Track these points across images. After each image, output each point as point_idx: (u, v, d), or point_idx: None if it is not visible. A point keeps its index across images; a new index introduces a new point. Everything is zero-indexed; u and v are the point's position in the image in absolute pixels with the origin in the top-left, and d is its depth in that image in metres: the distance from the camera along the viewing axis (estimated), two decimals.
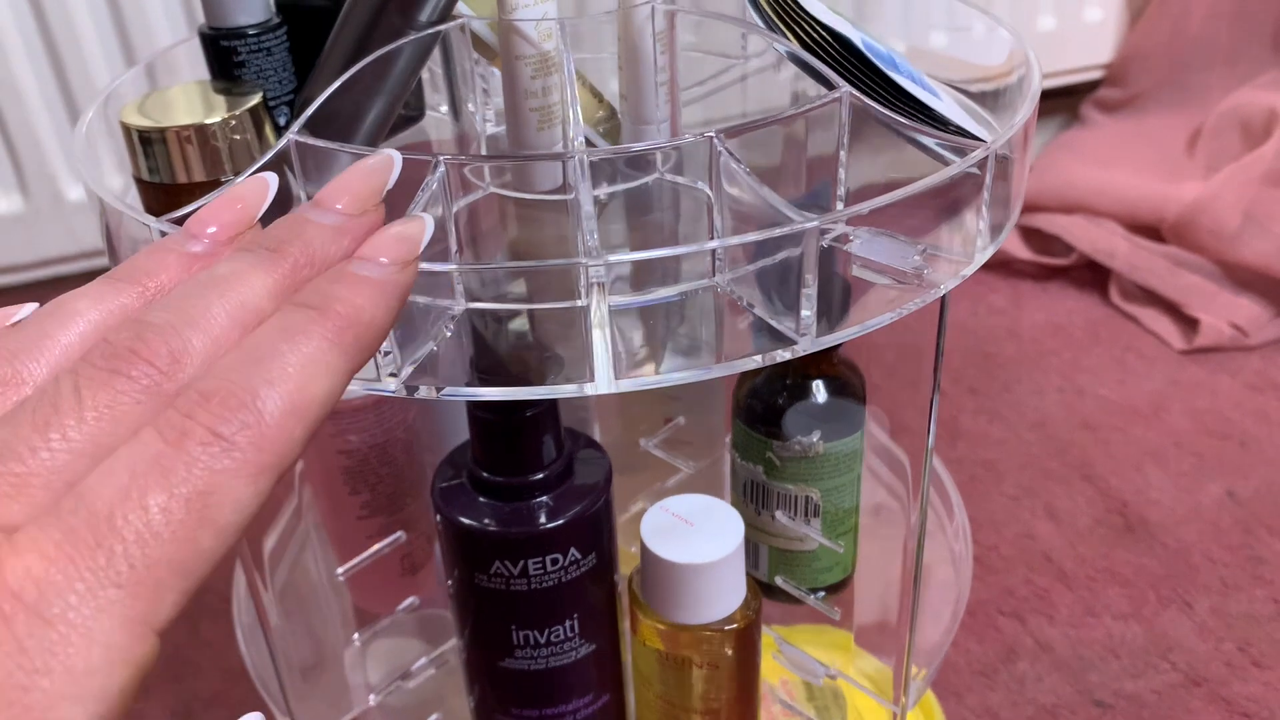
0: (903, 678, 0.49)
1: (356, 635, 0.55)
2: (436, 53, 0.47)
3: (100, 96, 0.45)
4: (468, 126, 0.48)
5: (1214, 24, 1.13)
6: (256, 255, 0.24)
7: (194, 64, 0.49)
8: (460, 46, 0.46)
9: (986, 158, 0.35)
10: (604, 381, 0.33)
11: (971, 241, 0.37)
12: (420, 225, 0.26)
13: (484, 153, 0.48)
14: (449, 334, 0.34)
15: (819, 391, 0.49)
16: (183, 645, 0.69)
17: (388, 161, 0.28)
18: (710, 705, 0.47)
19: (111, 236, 0.38)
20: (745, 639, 0.45)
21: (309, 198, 0.32)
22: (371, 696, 0.54)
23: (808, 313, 0.33)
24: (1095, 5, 1.14)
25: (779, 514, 0.51)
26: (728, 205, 0.36)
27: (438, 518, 0.44)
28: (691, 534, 0.44)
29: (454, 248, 0.37)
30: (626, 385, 0.33)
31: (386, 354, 0.33)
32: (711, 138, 0.35)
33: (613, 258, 0.32)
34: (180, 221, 0.28)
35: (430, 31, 0.42)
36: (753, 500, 0.51)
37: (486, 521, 0.43)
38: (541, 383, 0.34)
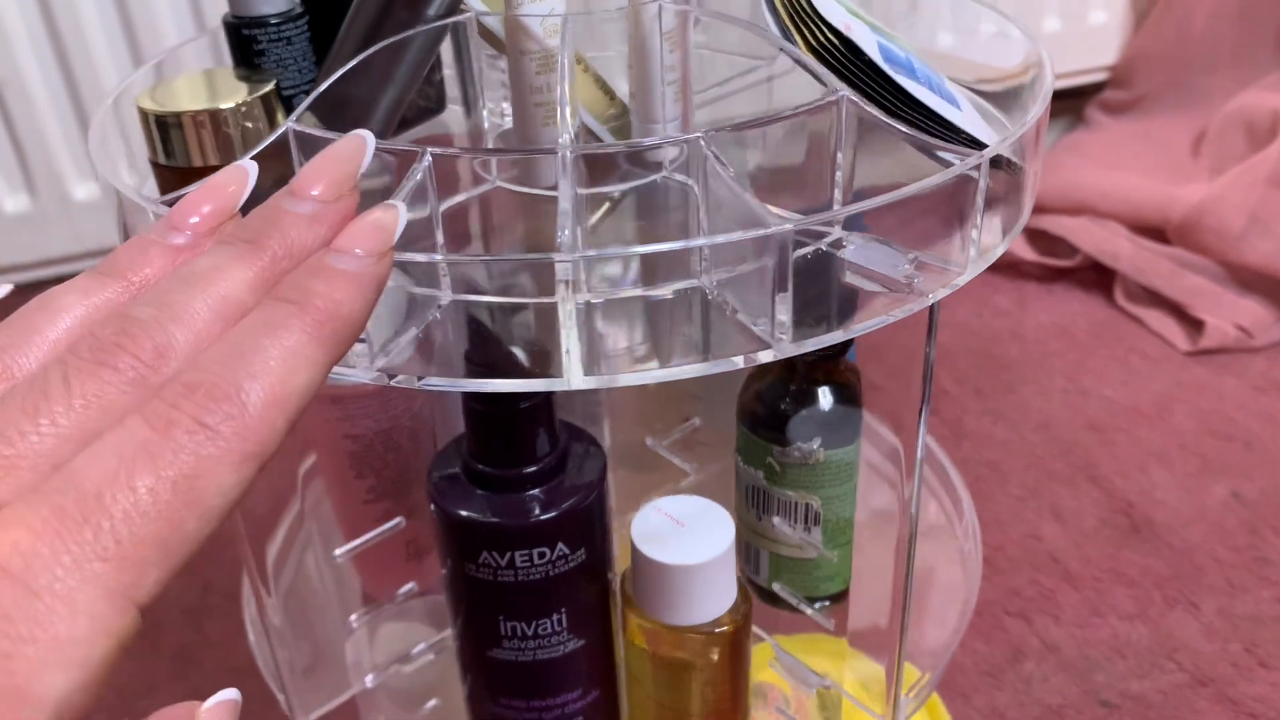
0: (894, 690, 0.49)
1: (354, 617, 0.55)
2: (454, 47, 0.48)
3: (111, 95, 0.45)
4: (479, 120, 0.48)
5: (1218, 26, 1.13)
6: (236, 249, 0.25)
7: (201, 63, 0.50)
8: (471, 40, 0.46)
9: (979, 165, 0.35)
10: (575, 378, 0.33)
11: (970, 248, 0.37)
12: (394, 214, 0.27)
13: (490, 146, 0.48)
14: (435, 319, 0.35)
15: (823, 399, 0.48)
16: (188, 644, 0.69)
17: (360, 145, 0.28)
18: (698, 708, 0.47)
19: (127, 230, 0.38)
20: (733, 642, 0.45)
21: None
22: (369, 678, 0.54)
23: (783, 318, 0.33)
24: (1100, 7, 1.14)
25: (777, 520, 0.50)
26: (715, 206, 0.36)
27: (432, 505, 0.44)
28: (681, 535, 0.44)
29: (440, 239, 0.37)
30: (596, 382, 0.33)
31: (361, 340, 0.34)
32: (698, 137, 0.35)
33: (582, 254, 0.32)
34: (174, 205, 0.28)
35: (437, 25, 0.42)
36: (754, 505, 0.51)
37: (475, 511, 0.43)
38: (526, 376, 0.34)
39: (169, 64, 0.50)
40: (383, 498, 0.54)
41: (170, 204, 0.35)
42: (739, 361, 0.34)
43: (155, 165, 0.43)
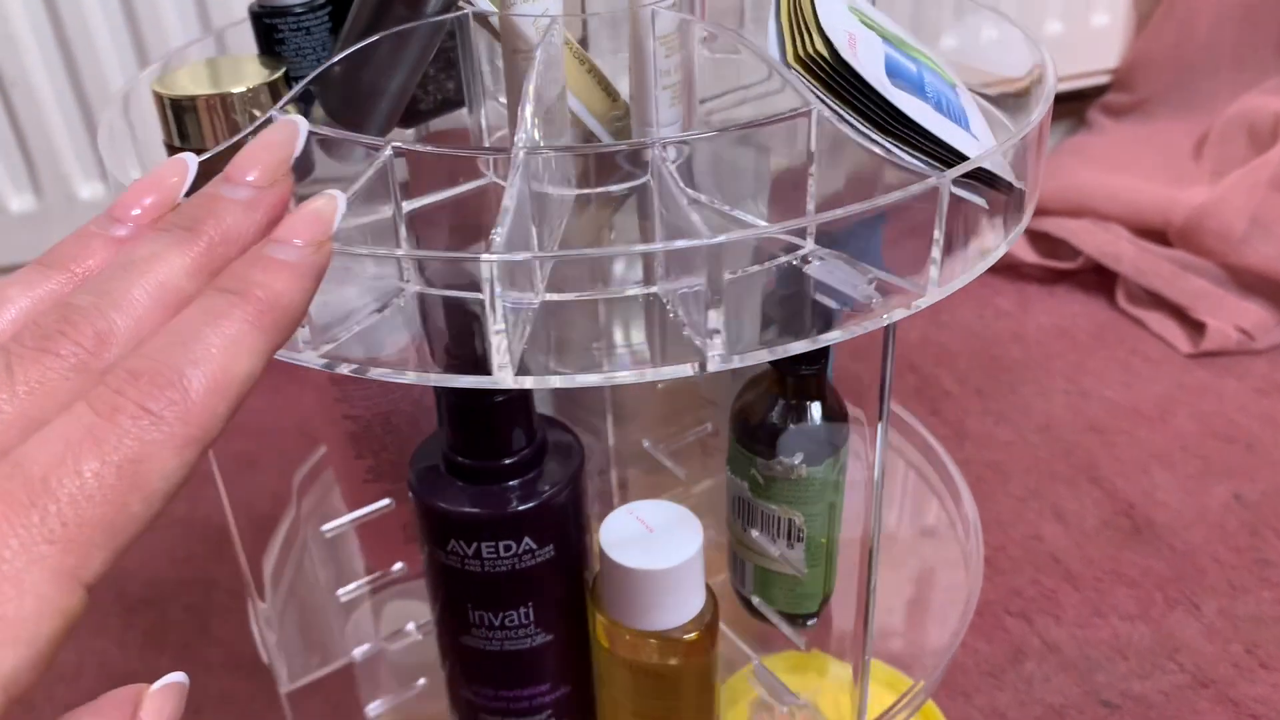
0: (861, 699, 0.49)
1: (341, 591, 0.56)
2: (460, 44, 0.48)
3: (118, 96, 0.46)
4: (479, 118, 0.48)
5: (1221, 29, 1.13)
6: (173, 235, 0.26)
7: None
8: (472, 37, 0.46)
9: (937, 188, 0.34)
10: (506, 377, 0.33)
11: (932, 269, 0.36)
12: (332, 203, 0.27)
13: (487, 143, 0.49)
14: (389, 310, 0.35)
15: (807, 414, 0.48)
16: (193, 643, 0.70)
17: (293, 131, 0.29)
18: (660, 713, 0.47)
19: None
20: (695, 650, 0.45)
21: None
22: (356, 652, 0.56)
23: (717, 329, 0.33)
24: (1102, 10, 1.14)
25: (754, 532, 0.50)
26: (665, 214, 0.36)
27: (410, 490, 0.45)
28: (649, 540, 0.44)
29: (403, 231, 0.38)
30: (532, 382, 0.34)
31: (303, 326, 0.35)
32: (652, 143, 0.35)
33: (508, 256, 0.32)
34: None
35: (430, 21, 0.43)
36: (739, 516, 0.51)
37: (443, 500, 0.44)
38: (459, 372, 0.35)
39: (174, 65, 0.50)
40: (381, 479, 0.55)
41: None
42: (669, 372, 0.34)
43: (170, 149, 0.45)
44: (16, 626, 0.20)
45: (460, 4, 0.44)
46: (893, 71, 0.39)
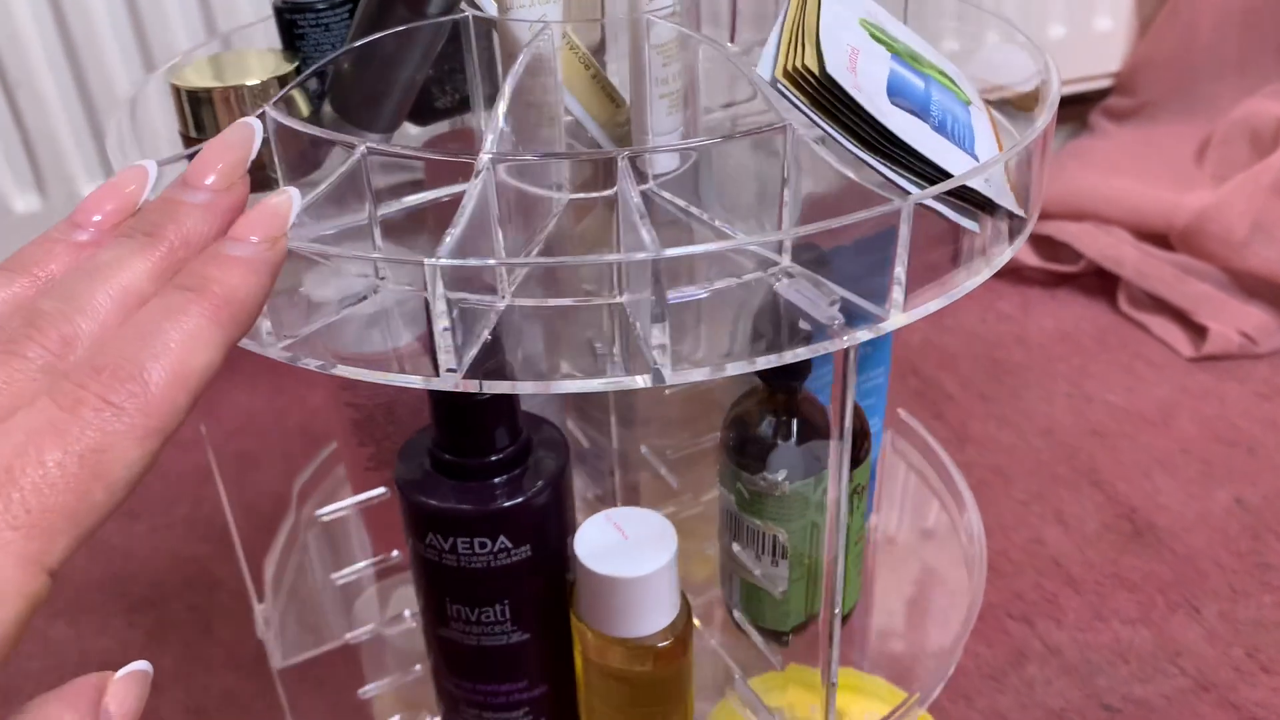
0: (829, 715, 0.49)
1: (335, 576, 0.57)
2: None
3: (125, 101, 0.46)
4: (481, 118, 0.48)
5: (1223, 33, 1.13)
6: (135, 241, 0.26)
7: None
8: (474, 39, 0.46)
9: (900, 210, 0.34)
10: (448, 379, 0.34)
11: (896, 290, 0.35)
12: (287, 200, 0.28)
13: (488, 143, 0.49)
14: (366, 305, 0.36)
15: (791, 431, 0.48)
16: (197, 643, 0.70)
17: (248, 134, 0.30)
18: (634, 718, 0.47)
19: None
20: (666, 658, 0.45)
21: None
22: (349, 635, 0.56)
23: (659, 344, 0.33)
24: (1105, 14, 1.15)
25: (736, 546, 0.50)
26: (625, 224, 0.36)
27: (395, 480, 0.46)
28: (622, 547, 0.44)
29: (377, 238, 0.39)
30: (477, 385, 0.34)
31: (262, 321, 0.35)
32: (615, 157, 0.36)
33: (444, 260, 0.32)
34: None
35: (432, 21, 0.44)
36: (727, 530, 0.51)
37: (421, 492, 0.45)
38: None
39: (182, 65, 0.51)
40: (382, 467, 0.57)
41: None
42: (614, 384, 0.34)
43: (186, 139, 0.46)
44: None
45: (461, 6, 0.45)
46: (896, 88, 0.39)
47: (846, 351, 0.37)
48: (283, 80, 0.46)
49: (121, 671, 0.25)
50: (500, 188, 0.37)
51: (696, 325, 0.36)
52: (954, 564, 0.64)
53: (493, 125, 0.38)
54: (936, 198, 0.36)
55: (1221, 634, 0.68)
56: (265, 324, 0.35)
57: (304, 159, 0.41)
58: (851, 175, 0.36)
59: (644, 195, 0.43)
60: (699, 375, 0.34)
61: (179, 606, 0.73)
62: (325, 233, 0.40)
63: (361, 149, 0.37)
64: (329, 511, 0.57)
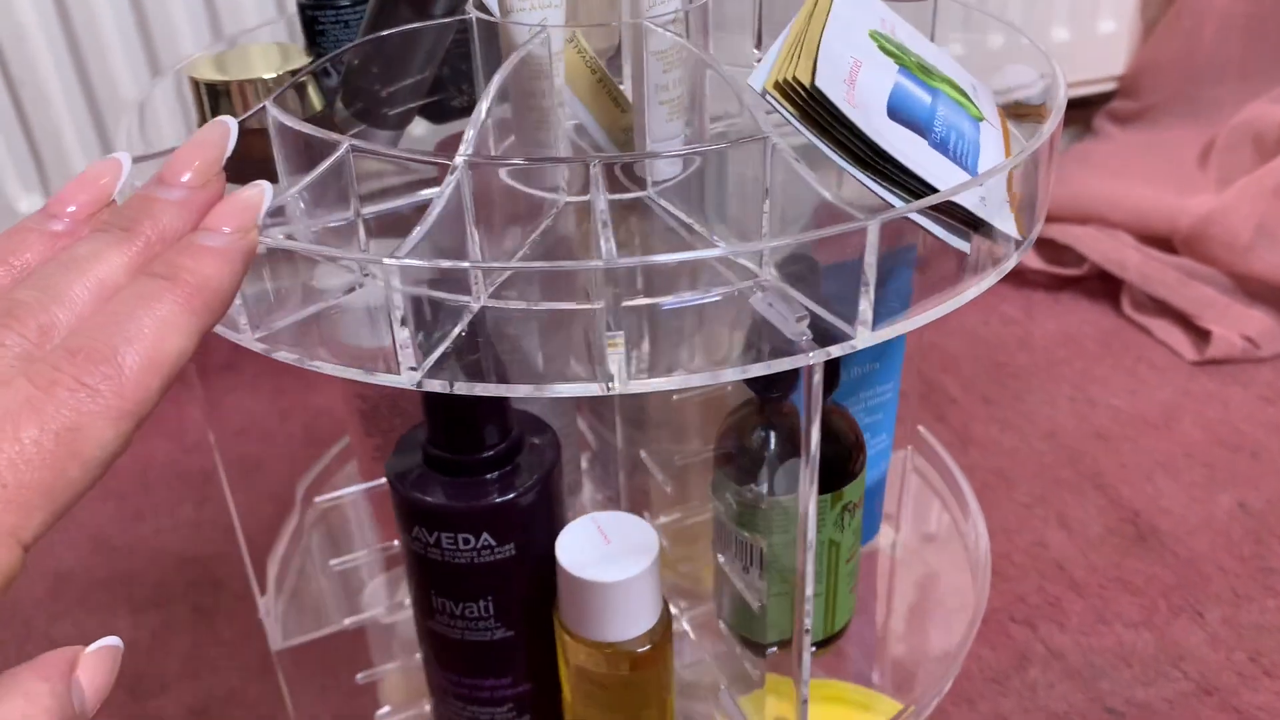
0: None
1: (333, 562, 0.59)
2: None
3: (133, 105, 0.47)
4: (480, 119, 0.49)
5: (1227, 37, 1.13)
6: (111, 235, 0.27)
7: None
8: (476, 41, 0.47)
9: (863, 230, 0.33)
10: (406, 377, 0.34)
11: (865, 304, 0.35)
12: (259, 193, 0.29)
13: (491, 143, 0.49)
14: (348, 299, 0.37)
15: (779, 444, 0.48)
16: (201, 643, 0.70)
17: (224, 133, 0.30)
18: None
19: None
20: (644, 664, 0.45)
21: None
22: (347, 620, 0.57)
23: (614, 357, 0.33)
24: (1109, 17, 1.15)
25: (722, 557, 0.50)
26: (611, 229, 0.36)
27: (386, 473, 0.47)
28: (604, 551, 0.44)
29: (363, 237, 0.40)
30: (438, 386, 0.35)
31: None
32: (587, 164, 0.36)
33: (394, 259, 0.33)
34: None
35: (435, 23, 0.45)
36: (718, 539, 0.51)
37: (408, 485, 0.45)
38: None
39: (186, 71, 0.51)
40: (388, 457, 0.58)
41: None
42: (563, 390, 0.34)
43: None
44: None
45: (466, 8, 0.45)
46: (898, 102, 0.38)
47: (811, 369, 0.37)
48: (295, 75, 0.47)
49: (92, 646, 0.25)
50: (496, 188, 0.37)
51: (677, 335, 0.36)
52: (957, 568, 0.64)
53: (472, 126, 0.38)
54: (924, 215, 0.35)
55: (1224, 638, 0.68)
56: (269, 317, 0.36)
57: (304, 153, 0.41)
58: (826, 195, 0.35)
59: (642, 202, 0.43)
60: (656, 385, 0.34)
61: (183, 608, 0.73)
62: (329, 226, 0.41)
63: (344, 146, 0.38)
64: (327, 499, 0.59)
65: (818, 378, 0.38)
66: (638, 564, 0.44)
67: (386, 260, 0.33)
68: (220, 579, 0.75)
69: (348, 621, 0.57)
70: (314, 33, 0.50)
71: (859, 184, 0.37)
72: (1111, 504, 0.79)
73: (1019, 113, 0.46)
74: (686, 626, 0.57)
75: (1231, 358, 0.93)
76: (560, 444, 0.48)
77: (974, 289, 0.38)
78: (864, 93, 0.37)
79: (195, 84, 0.47)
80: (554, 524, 0.47)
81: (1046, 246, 1.05)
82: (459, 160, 0.36)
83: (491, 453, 0.45)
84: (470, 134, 0.37)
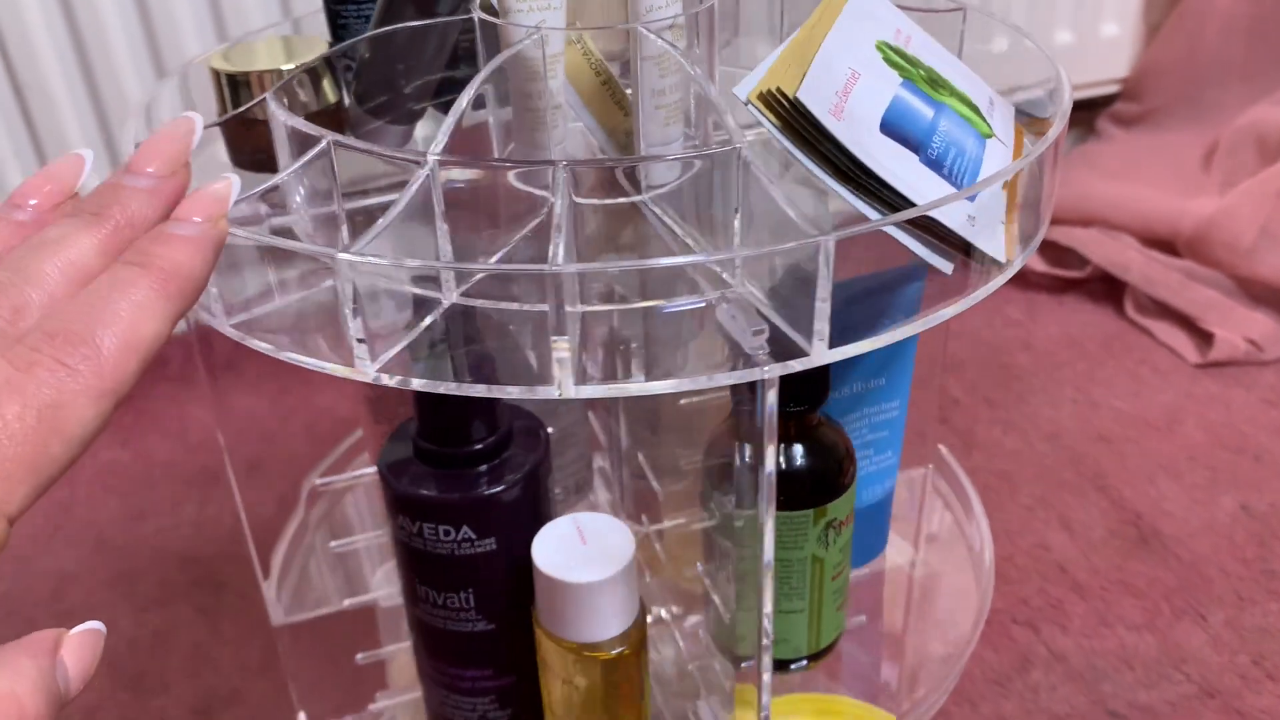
0: None
1: (333, 544, 0.60)
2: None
3: (139, 106, 0.47)
4: (491, 115, 0.49)
5: (1230, 40, 1.13)
6: (81, 219, 0.28)
7: None
8: (480, 40, 0.47)
9: (817, 246, 0.33)
10: (368, 369, 0.35)
11: (819, 321, 0.35)
12: (227, 185, 0.30)
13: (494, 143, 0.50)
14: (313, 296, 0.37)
15: (748, 456, 0.47)
16: (203, 642, 0.70)
17: (189, 127, 0.31)
18: None
19: None
20: (617, 666, 0.45)
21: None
22: (347, 601, 0.58)
23: (561, 359, 0.33)
24: (1112, 20, 1.15)
25: (701, 565, 0.50)
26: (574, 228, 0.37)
27: (377, 460, 0.47)
28: (580, 552, 0.44)
29: (344, 230, 0.40)
30: (393, 381, 0.35)
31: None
32: (562, 164, 0.36)
33: (351, 255, 0.33)
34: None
35: (439, 20, 0.46)
36: (705, 547, 0.51)
37: (393, 474, 0.46)
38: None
39: (191, 74, 0.51)
40: None
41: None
42: (514, 392, 0.35)
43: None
44: None
45: (469, 7, 0.45)
46: (895, 116, 0.38)
47: (759, 384, 0.37)
48: (298, 69, 0.48)
49: (76, 629, 0.26)
50: (492, 186, 0.37)
51: (644, 341, 0.36)
52: (960, 570, 0.64)
53: (445, 126, 0.38)
54: (904, 232, 0.35)
55: (1227, 641, 0.68)
56: (210, 293, 0.37)
57: (301, 146, 0.42)
58: (790, 212, 0.35)
59: (637, 206, 0.43)
60: (603, 391, 0.35)
61: (185, 607, 0.73)
62: (317, 217, 0.42)
63: (325, 141, 0.39)
64: (325, 482, 0.61)
65: (772, 393, 0.38)
66: (610, 567, 0.43)
67: (339, 255, 0.33)
68: (223, 579, 0.75)
69: (347, 603, 0.58)
70: (337, 27, 0.51)
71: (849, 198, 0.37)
72: (1114, 506, 0.79)
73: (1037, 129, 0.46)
74: (677, 634, 0.57)
75: (1234, 360, 0.93)
76: (549, 442, 0.48)
77: (952, 308, 0.37)
78: (857, 105, 0.37)
79: (216, 74, 0.48)
80: (538, 521, 0.47)
81: (1049, 249, 1.05)
82: (431, 159, 0.37)
83: (478, 447, 0.45)
84: (444, 130, 0.38)
